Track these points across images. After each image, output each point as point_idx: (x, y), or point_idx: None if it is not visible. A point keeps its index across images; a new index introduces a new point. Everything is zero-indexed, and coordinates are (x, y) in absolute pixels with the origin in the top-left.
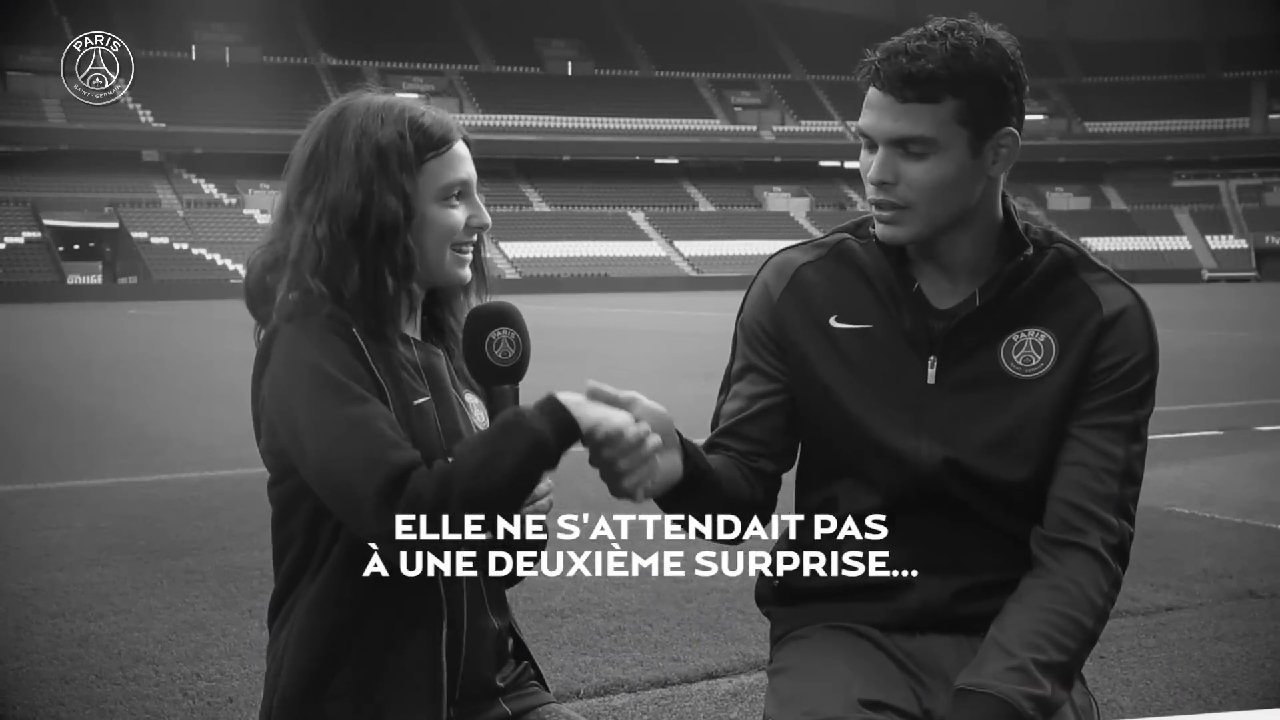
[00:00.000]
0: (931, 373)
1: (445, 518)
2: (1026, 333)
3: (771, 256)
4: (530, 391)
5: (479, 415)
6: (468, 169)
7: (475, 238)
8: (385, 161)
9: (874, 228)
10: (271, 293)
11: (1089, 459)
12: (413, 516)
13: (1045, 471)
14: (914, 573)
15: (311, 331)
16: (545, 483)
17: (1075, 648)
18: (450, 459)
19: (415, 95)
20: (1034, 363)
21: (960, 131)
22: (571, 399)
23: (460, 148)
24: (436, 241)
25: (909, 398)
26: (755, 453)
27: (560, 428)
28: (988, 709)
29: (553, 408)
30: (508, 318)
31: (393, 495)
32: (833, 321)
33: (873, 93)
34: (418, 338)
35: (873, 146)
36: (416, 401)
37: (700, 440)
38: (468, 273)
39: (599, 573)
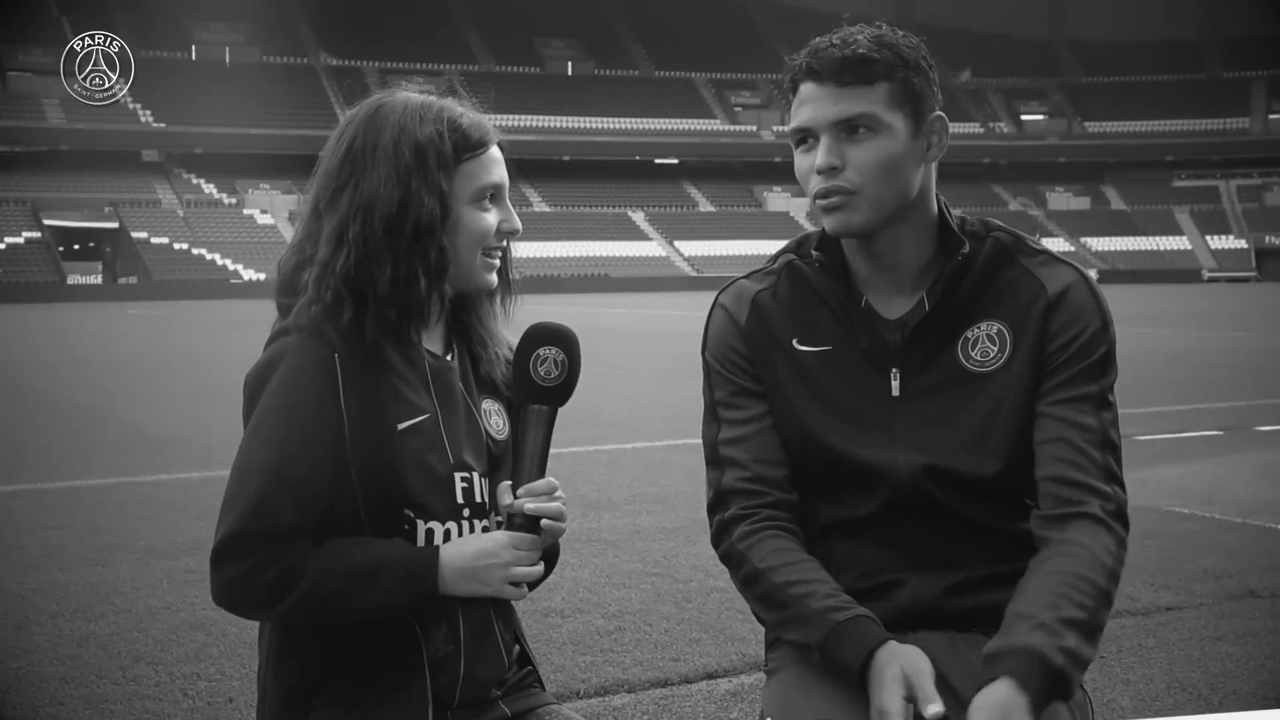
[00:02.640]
0: (895, 385)
1: (274, 604)
2: (979, 327)
3: (724, 288)
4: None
5: (496, 421)
6: (501, 173)
7: (505, 243)
8: (424, 159)
9: (811, 245)
10: (301, 289)
11: (1067, 434)
12: (242, 574)
13: (1019, 459)
14: (902, 577)
15: (298, 358)
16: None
17: (1093, 605)
18: (326, 551)
19: (445, 92)
20: (991, 355)
21: (897, 113)
22: (451, 570)
23: (495, 151)
24: (468, 244)
25: (878, 413)
26: (785, 477)
27: (417, 598)
28: (1020, 660)
29: (423, 577)
30: (560, 339)
31: (232, 552)
32: (795, 344)
33: (807, 88)
34: (432, 348)
35: (810, 146)
36: (405, 424)
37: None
38: (494, 279)
39: (598, 572)
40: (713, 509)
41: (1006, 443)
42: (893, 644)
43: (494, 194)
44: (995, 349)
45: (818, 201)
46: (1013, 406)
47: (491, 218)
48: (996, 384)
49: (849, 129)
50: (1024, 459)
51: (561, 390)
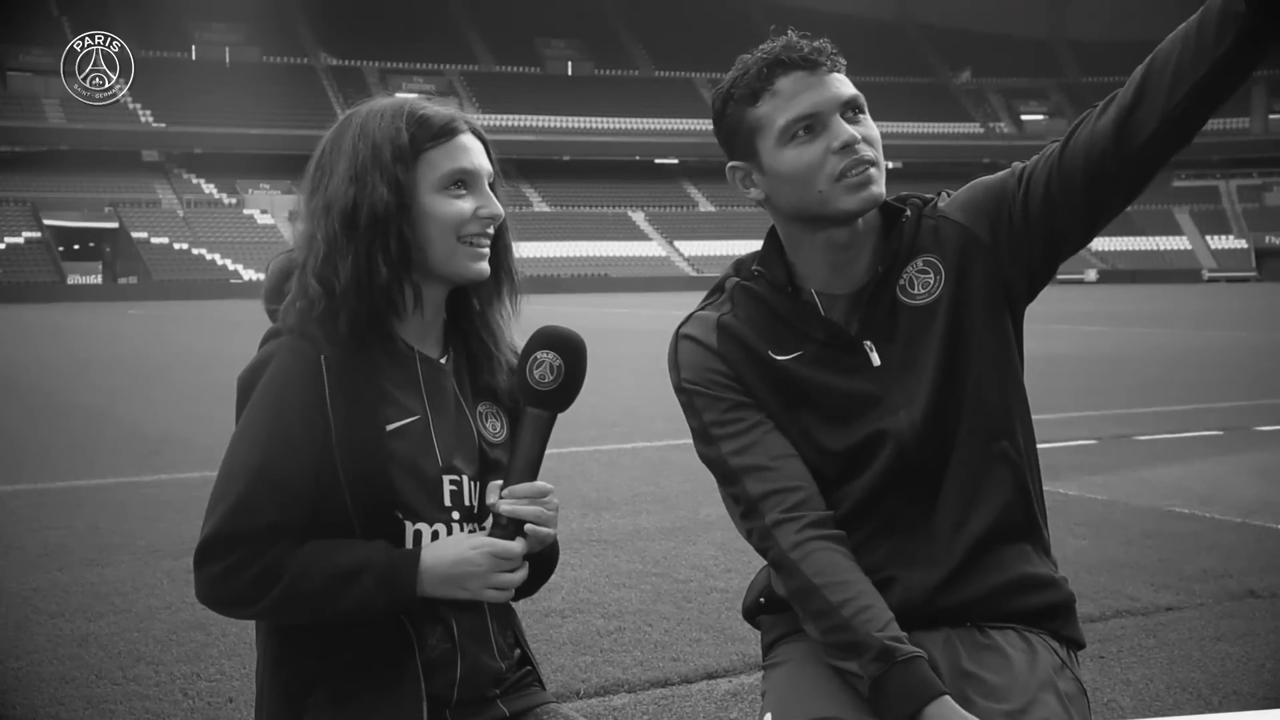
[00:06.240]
0: (875, 356)
1: (252, 603)
2: (908, 268)
3: (681, 325)
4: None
5: (492, 424)
6: (472, 159)
7: (490, 231)
8: (379, 153)
9: (750, 264)
10: (286, 293)
11: (1069, 145)
12: (221, 573)
13: (997, 380)
14: (894, 574)
15: (285, 359)
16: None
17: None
18: (308, 551)
19: (423, 94)
20: (931, 284)
21: None
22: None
23: (466, 139)
24: (440, 232)
25: (868, 389)
26: (804, 469)
27: (395, 602)
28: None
29: (401, 581)
30: (560, 344)
31: (213, 551)
32: (771, 354)
33: (798, 77)
34: (427, 350)
35: (814, 134)
36: (393, 425)
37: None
38: (484, 268)
39: (598, 572)
40: (747, 518)
41: (979, 358)
42: (946, 701)
43: (465, 180)
44: (932, 276)
45: (850, 177)
46: (975, 318)
47: (464, 204)
48: (945, 306)
49: (854, 107)
50: (1001, 384)
51: (556, 396)
